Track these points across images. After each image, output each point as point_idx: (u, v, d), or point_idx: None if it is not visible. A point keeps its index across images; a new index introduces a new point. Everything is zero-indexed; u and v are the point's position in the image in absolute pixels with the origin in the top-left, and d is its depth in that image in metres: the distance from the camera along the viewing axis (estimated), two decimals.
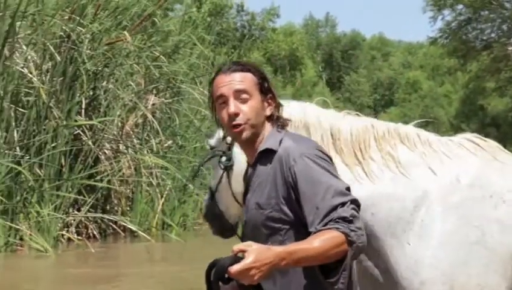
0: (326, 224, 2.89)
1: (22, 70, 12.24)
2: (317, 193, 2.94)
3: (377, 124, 3.67)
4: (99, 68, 13.67)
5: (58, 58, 12.73)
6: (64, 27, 12.79)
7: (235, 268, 2.74)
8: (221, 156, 3.73)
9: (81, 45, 12.92)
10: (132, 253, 12.02)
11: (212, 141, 3.89)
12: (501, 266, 3.42)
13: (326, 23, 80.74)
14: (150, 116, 14.33)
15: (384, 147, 3.55)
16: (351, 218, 2.90)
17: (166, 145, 14.69)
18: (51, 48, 12.63)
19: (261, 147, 3.10)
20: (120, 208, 14.00)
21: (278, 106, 3.16)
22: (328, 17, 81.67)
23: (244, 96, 3.07)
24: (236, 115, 3.05)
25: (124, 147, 13.97)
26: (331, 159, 3.08)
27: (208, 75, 16.83)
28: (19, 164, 11.67)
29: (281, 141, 3.08)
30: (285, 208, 3.00)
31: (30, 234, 11.44)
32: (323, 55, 74.91)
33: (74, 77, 12.99)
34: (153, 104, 14.64)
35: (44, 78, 12.71)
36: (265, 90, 3.12)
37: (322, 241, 2.84)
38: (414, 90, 69.41)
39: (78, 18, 12.89)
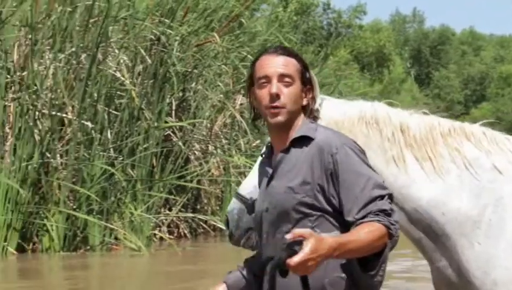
0: (365, 215, 2.91)
1: (115, 73, 12.61)
2: (357, 183, 2.96)
3: (443, 121, 3.68)
4: (189, 70, 13.97)
5: (149, 61, 13.07)
6: (154, 30, 13.12)
7: (295, 260, 2.72)
8: None
9: (171, 47, 13.23)
10: (222, 251, 12.24)
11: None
12: None
13: (413, 18, 79.78)
14: (238, 116, 14.55)
15: (451, 144, 3.56)
16: (390, 211, 2.92)
17: (254, 144, 14.88)
18: (142, 51, 12.97)
19: (295, 134, 3.07)
20: (210, 208, 14.27)
21: (314, 98, 3.14)
22: (416, 13, 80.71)
23: (288, 80, 3.05)
24: (278, 96, 3.03)
25: (213, 148, 14.23)
26: (364, 152, 3.09)
27: None
28: (112, 165, 12.04)
29: (316, 130, 3.07)
30: (319, 195, 3.00)
31: (124, 234, 11.79)
32: (411, 51, 74.04)
33: (164, 79, 13.31)
34: (241, 104, 14.86)
35: (135, 80, 13.07)
36: (306, 80, 3.11)
37: (368, 233, 2.85)
38: (507, 85, 67.90)
39: (167, 21, 13.19)
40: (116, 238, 11.86)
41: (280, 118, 3.04)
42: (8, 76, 11.16)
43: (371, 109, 3.66)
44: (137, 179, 12.43)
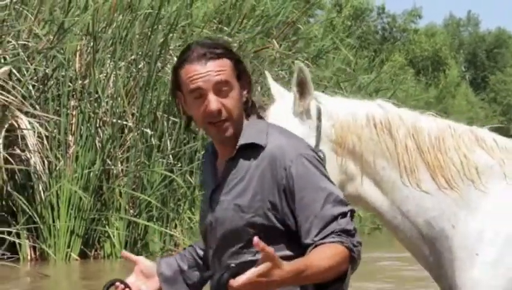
0: (326, 236, 2.60)
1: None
2: (316, 200, 2.63)
3: (454, 125, 3.48)
4: (254, 78, 14.11)
5: None
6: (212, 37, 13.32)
7: (239, 281, 2.41)
8: None
9: None
10: None
11: None
12: None
13: (468, 22, 78.96)
14: None
15: (462, 150, 3.36)
16: (353, 231, 2.63)
17: None
18: None
19: (243, 139, 2.70)
20: None
21: (251, 90, 2.74)
22: (470, 16, 79.85)
23: (225, 88, 2.67)
24: (220, 112, 2.66)
25: None
26: (322, 159, 2.84)
27: (352, 80, 17.00)
28: (171, 171, 12.24)
29: (266, 135, 2.70)
30: (270, 214, 2.66)
31: (183, 239, 11.98)
32: (467, 55, 73.29)
33: None
34: None
35: None
36: (241, 74, 2.71)
37: (329, 258, 2.56)
38: None
39: (226, 28, 13.38)
40: (175, 244, 12.05)
41: (227, 134, 2.69)
42: (70, 84, 11.43)
43: (379, 111, 3.39)
44: (196, 185, 12.62)
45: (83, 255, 11.26)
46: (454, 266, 3.25)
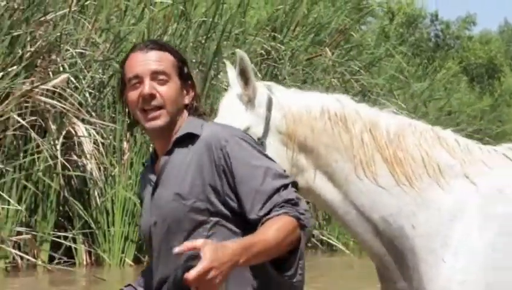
0: (271, 210, 2.60)
1: (227, 88, 13.02)
2: (255, 176, 2.63)
3: (415, 123, 3.36)
4: (298, 84, 14.26)
5: (259, 76, 13.43)
6: (265, 45, 13.48)
7: (192, 274, 2.36)
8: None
9: (281, 62, 13.56)
10: (331, 266, 12.40)
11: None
12: None
13: None
14: None
15: (423, 147, 3.24)
16: (296, 200, 2.62)
17: None
18: (252, 66, 13.35)
19: (178, 133, 2.74)
20: (318, 222, 14.47)
21: (197, 95, 2.82)
22: None
23: (162, 77, 2.72)
24: (152, 96, 2.70)
25: None
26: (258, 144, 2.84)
27: (405, 87, 17.03)
28: None
29: (202, 126, 2.74)
30: (212, 197, 2.64)
31: None
32: None
33: None
34: None
35: None
36: (184, 76, 2.79)
37: (277, 230, 2.54)
38: None
39: (279, 36, 13.54)
40: None
41: (159, 122, 2.72)
42: None
43: (336, 103, 3.28)
44: None
45: (136, 261, 11.47)
46: (420, 269, 3.13)
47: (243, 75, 3.36)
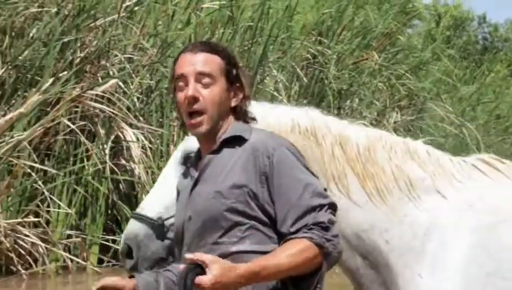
0: (299, 229, 2.59)
1: (273, 92, 13.14)
2: (294, 189, 2.63)
3: (385, 135, 3.35)
4: (344, 87, 14.34)
5: (305, 80, 13.54)
6: (311, 49, 13.59)
7: (205, 280, 2.47)
8: None
9: (327, 66, 13.66)
10: None
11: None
12: None
13: None
14: (393, 133, 14.76)
15: (393, 161, 3.24)
16: (327, 225, 2.60)
17: None
18: (298, 70, 13.46)
19: (227, 134, 2.75)
20: None
21: (246, 98, 2.80)
22: None
23: (207, 80, 2.73)
24: (195, 99, 2.71)
25: None
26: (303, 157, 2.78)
27: (452, 91, 16.99)
28: None
29: (251, 131, 2.75)
30: (252, 202, 2.66)
31: None
32: None
33: (320, 97, 13.74)
34: (395, 122, 15.05)
35: (292, 99, 13.57)
36: (232, 78, 2.77)
37: (293, 255, 2.55)
38: None
39: (325, 40, 13.64)
40: None
41: (201, 129, 2.73)
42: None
43: (306, 118, 3.26)
44: None
45: None
46: (398, 283, 3.14)
47: None
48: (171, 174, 3.19)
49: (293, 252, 2.56)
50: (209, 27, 12.12)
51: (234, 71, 2.79)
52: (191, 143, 3.16)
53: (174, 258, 3.04)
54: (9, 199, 9.61)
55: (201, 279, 2.47)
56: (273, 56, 13.24)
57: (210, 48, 2.80)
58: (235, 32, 12.31)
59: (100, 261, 10.48)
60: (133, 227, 3.15)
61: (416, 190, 3.21)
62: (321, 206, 2.62)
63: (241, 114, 2.80)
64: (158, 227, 3.12)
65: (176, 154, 3.24)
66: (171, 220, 3.09)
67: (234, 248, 2.65)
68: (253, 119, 2.83)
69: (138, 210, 3.19)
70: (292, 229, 2.60)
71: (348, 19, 14.33)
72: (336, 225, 2.63)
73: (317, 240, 2.57)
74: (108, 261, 10.59)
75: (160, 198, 3.18)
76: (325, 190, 2.72)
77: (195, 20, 11.85)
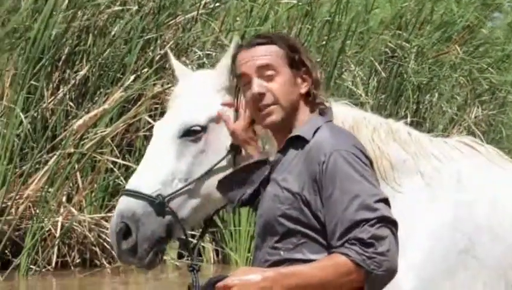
0: (342, 244, 2.53)
1: (351, 88, 13.32)
2: (341, 201, 2.55)
3: (368, 115, 3.36)
4: (424, 82, 14.41)
5: (383, 74, 13.68)
6: (390, 43, 13.71)
7: (219, 284, 2.52)
8: None
9: (406, 60, 13.76)
10: None
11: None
12: (491, 278, 3.17)
13: None
14: (474, 128, 14.75)
15: (376, 142, 3.23)
16: (370, 241, 2.50)
17: None
18: (376, 64, 13.60)
19: (293, 132, 2.69)
20: None
21: (316, 82, 2.72)
22: None
23: (269, 72, 2.67)
24: (262, 95, 2.65)
25: None
26: (371, 162, 2.67)
27: None
28: None
29: (317, 130, 2.67)
30: (306, 209, 2.61)
31: None
32: None
33: (399, 92, 13.86)
34: (476, 116, 15.05)
35: (370, 94, 13.72)
36: (296, 64, 2.70)
37: (324, 268, 2.51)
38: None
39: (405, 34, 13.74)
40: None
41: (273, 118, 2.67)
42: None
43: None
44: None
45: None
46: None
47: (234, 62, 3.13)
48: (165, 149, 3.17)
49: (325, 265, 2.52)
50: (286, 22, 12.36)
51: (296, 56, 2.72)
52: (193, 117, 3.18)
53: (174, 237, 3.10)
54: (93, 194, 10.01)
55: (223, 281, 2.51)
56: (351, 51, 13.41)
57: (265, 39, 2.74)
58: (313, 27, 12.51)
59: (180, 256, 10.81)
60: (130, 204, 3.07)
61: (396, 171, 3.23)
62: (366, 221, 2.52)
63: (313, 100, 2.74)
64: (157, 205, 3.06)
65: (169, 129, 3.21)
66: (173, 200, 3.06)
67: (290, 255, 2.63)
68: (324, 104, 2.77)
69: (131, 186, 3.09)
70: (336, 243, 2.54)
71: (428, 12, 14.39)
72: (387, 240, 2.52)
73: (353, 257, 2.50)
74: (188, 256, 10.91)
75: (157, 174, 3.13)
76: (382, 200, 2.59)
77: (273, 16, 12.11)
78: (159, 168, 3.13)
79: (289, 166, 2.66)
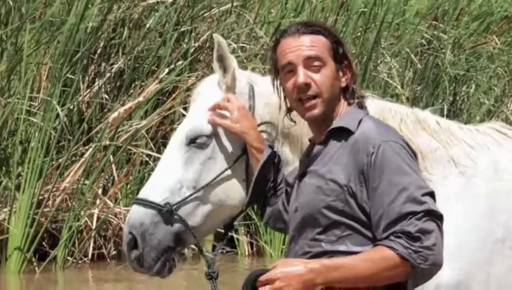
0: (387, 236, 2.54)
1: (387, 79, 13.39)
2: (388, 193, 2.56)
3: (394, 106, 3.33)
4: (460, 73, 14.44)
5: (419, 66, 13.74)
6: (426, 34, 13.77)
7: (262, 277, 2.55)
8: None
9: (443, 51, 13.81)
10: None
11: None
12: None
13: None
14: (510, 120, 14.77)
15: (404, 132, 3.17)
16: (416, 234, 2.51)
17: None
18: (412, 56, 13.66)
19: (334, 124, 2.71)
20: None
21: (354, 75, 2.77)
22: None
23: (317, 63, 2.69)
24: (308, 86, 2.68)
25: None
26: (415, 154, 2.70)
27: None
28: None
29: (360, 122, 2.69)
30: (352, 201, 2.62)
31: None
32: None
33: (435, 84, 13.91)
34: None
35: (406, 86, 13.79)
36: (339, 57, 2.73)
37: (372, 261, 2.51)
38: None
39: (441, 25, 13.78)
40: None
41: (316, 111, 2.70)
42: None
43: None
44: None
45: None
46: None
47: (221, 61, 3.25)
48: (174, 157, 3.19)
49: (372, 259, 2.53)
50: (321, 14, 12.47)
51: (341, 50, 2.75)
52: (199, 123, 3.20)
53: (186, 245, 3.18)
54: (128, 186, 10.21)
55: (266, 274, 2.54)
56: (387, 42, 13.48)
57: (312, 28, 2.74)
58: (348, 18, 12.61)
59: (214, 249, 10.99)
60: (138, 214, 3.12)
61: (428, 161, 3.21)
62: (413, 214, 2.54)
63: (351, 94, 2.77)
64: (165, 213, 3.08)
65: (179, 136, 3.23)
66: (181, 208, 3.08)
67: (333, 247, 2.64)
68: (363, 97, 2.81)
69: (141, 195, 3.15)
70: (381, 236, 2.56)
71: (466, 2, 14.41)
72: (433, 234, 2.54)
73: (399, 251, 2.52)
74: (222, 249, 11.10)
75: (164, 182, 3.15)
76: (429, 193, 2.61)
77: (308, 7, 12.21)
78: (167, 176, 3.17)
79: (333, 157, 2.67)
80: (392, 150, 2.60)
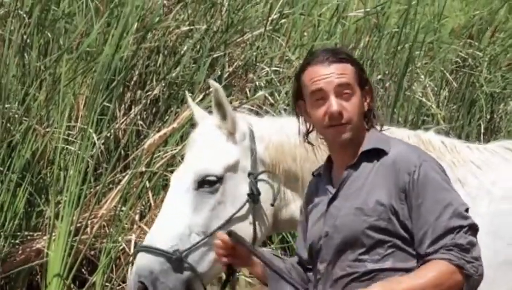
0: (437, 250, 2.69)
1: (422, 99, 13.65)
2: (433, 210, 2.71)
3: (395, 130, 3.41)
4: (497, 91, 14.64)
5: (455, 84, 13.97)
6: (460, 53, 14.01)
7: None
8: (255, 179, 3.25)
9: (479, 69, 14.04)
10: None
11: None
12: None
13: None
14: None
15: None
16: (467, 246, 2.69)
17: None
18: (447, 74, 13.90)
19: (366, 146, 2.85)
20: None
21: (373, 99, 2.94)
22: None
23: (347, 91, 2.84)
24: (341, 114, 2.83)
25: None
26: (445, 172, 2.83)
27: None
28: None
29: (389, 143, 2.85)
30: (394, 219, 2.76)
31: None
32: None
33: (471, 102, 14.12)
34: None
35: (441, 105, 14.02)
36: (364, 83, 2.90)
37: (433, 277, 2.64)
38: None
39: (475, 43, 14.02)
40: None
41: (346, 136, 2.85)
42: None
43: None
44: None
45: None
46: None
47: (220, 107, 3.39)
48: (181, 201, 3.26)
49: (433, 273, 2.68)
50: (354, 36, 12.78)
51: (364, 76, 2.93)
52: (203, 167, 3.28)
53: None
54: None
55: None
56: (421, 61, 13.74)
57: (339, 56, 2.89)
58: (381, 39, 12.90)
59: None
60: (146, 262, 3.14)
61: None
62: (460, 228, 2.72)
63: (372, 118, 2.95)
64: (175, 261, 3.12)
65: (183, 180, 3.34)
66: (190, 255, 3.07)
67: (376, 266, 2.79)
68: (381, 122, 2.98)
69: (147, 243, 3.16)
70: (429, 250, 2.72)
71: (501, 20, 14.63)
72: (477, 247, 2.72)
73: (457, 262, 2.68)
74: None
75: (172, 228, 3.21)
76: (467, 209, 2.78)
77: (341, 30, 12.52)
78: (175, 222, 3.24)
79: (369, 178, 2.82)
80: (432, 169, 2.79)
